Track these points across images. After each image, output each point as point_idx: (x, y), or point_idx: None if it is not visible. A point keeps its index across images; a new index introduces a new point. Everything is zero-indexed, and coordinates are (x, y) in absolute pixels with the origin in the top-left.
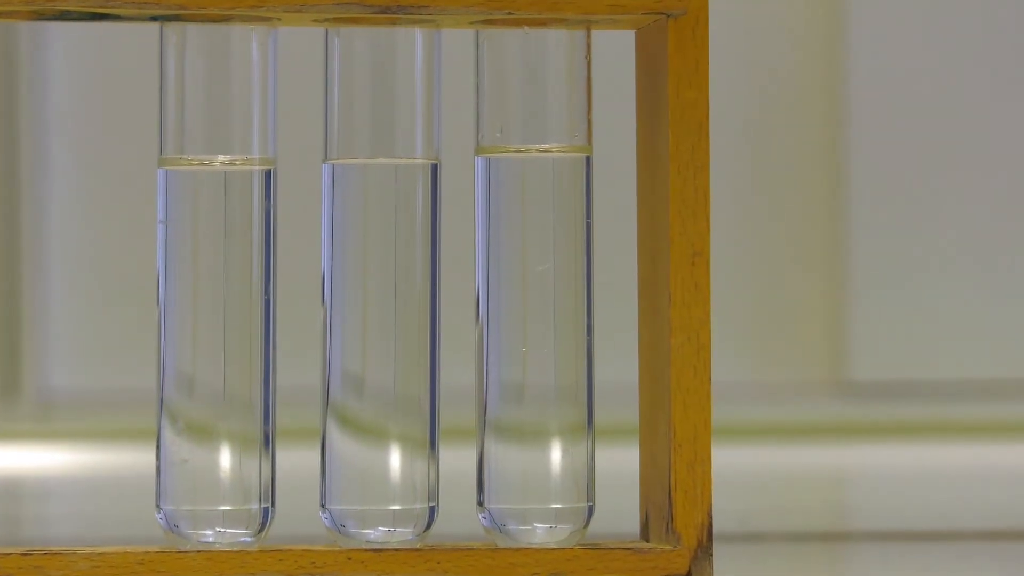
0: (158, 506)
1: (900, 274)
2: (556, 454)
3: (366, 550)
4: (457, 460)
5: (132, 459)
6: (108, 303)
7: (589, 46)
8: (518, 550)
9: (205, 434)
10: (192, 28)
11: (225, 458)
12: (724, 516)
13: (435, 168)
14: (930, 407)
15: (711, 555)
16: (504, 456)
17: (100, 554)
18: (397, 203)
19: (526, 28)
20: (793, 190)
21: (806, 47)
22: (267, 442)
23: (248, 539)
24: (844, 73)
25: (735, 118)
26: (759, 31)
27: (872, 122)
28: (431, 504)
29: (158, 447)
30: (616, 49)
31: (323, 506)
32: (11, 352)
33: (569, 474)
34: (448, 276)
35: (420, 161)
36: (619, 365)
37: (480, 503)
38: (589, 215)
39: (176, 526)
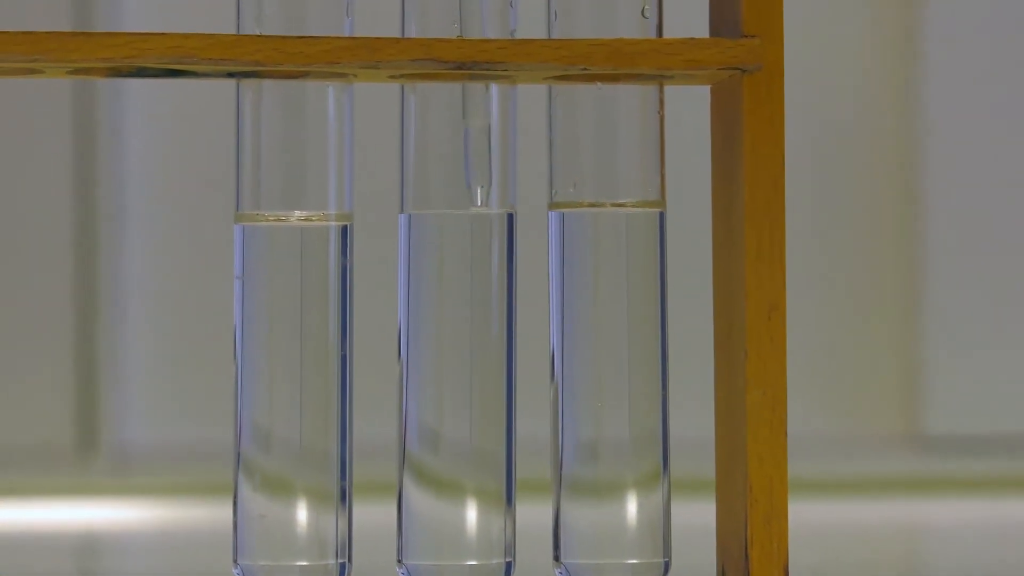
0: (235, 561)
1: (976, 326)
2: (631, 510)
3: None
4: (533, 515)
5: (209, 514)
6: (185, 358)
7: (662, 101)
8: None
9: (282, 489)
10: (268, 84)
11: (302, 513)
12: (800, 571)
13: (511, 218)
14: (1008, 461)
15: None
16: (579, 512)
17: None
18: (473, 254)
19: (599, 84)
20: (867, 241)
21: (879, 98)
22: (344, 497)
23: None
24: (917, 123)
25: (809, 169)
26: (832, 84)
27: (946, 172)
28: (507, 559)
29: (235, 502)
30: (689, 103)
31: (400, 561)
32: (88, 407)
33: (645, 530)
34: (524, 327)
35: (496, 212)
36: (694, 418)
37: (556, 559)
38: (663, 269)
39: None
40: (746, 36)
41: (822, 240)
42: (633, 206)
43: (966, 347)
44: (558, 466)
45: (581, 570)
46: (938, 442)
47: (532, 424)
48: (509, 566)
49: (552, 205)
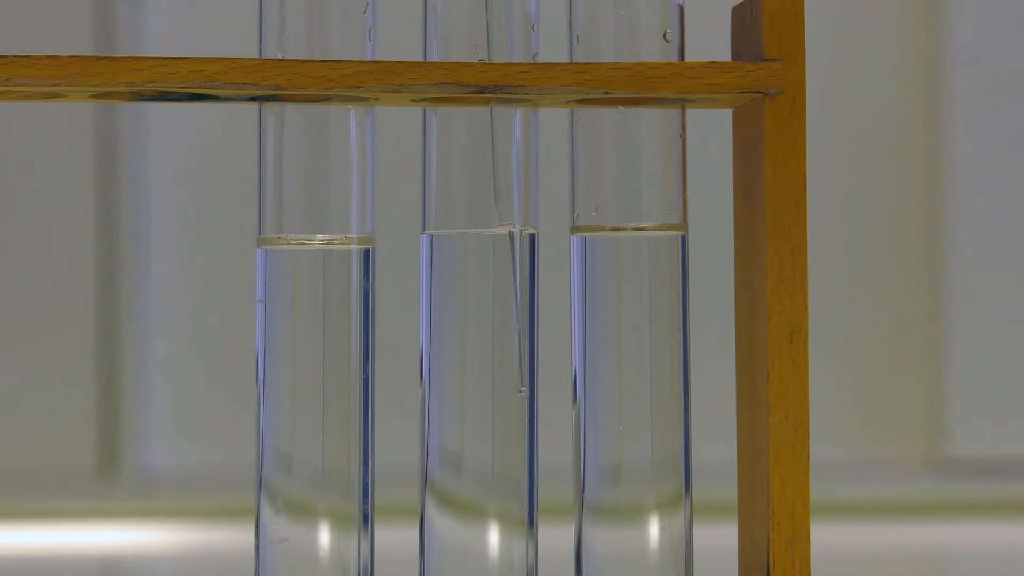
0: None
1: (999, 349)
2: (654, 533)
3: None
4: (556, 538)
5: (231, 538)
6: (207, 382)
7: (684, 125)
8: None
9: (304, 512)
10: (290, 108)
11: (324, 536)
12: None
13: (533, 239)
14: None
15: None
16: (602, 535)
17: None
18: (495, 272)
19: (620, 107)
20: (889, 264)
21: (902, 122)
22: (365, 520)
23: None
24: (941, 146)
25: (831, 192)
26: (854, 107)
27: (971, 195)
28: None
29: (257, 525)
30: (710, 126)
31: None
32: (110, 431)
33: (667, 553)
34: (546, 350)
35: (511, 229)
36: (716, 442)
37: None
38: (685, 293)
39: None
40: (768, 60)
41: (844, 263)
42: (655, 230)
43: (988, 371)
44: (580, 489)
45: None
46: (960, 465)
47: (554, 447)
48: None
49: (574, 229)
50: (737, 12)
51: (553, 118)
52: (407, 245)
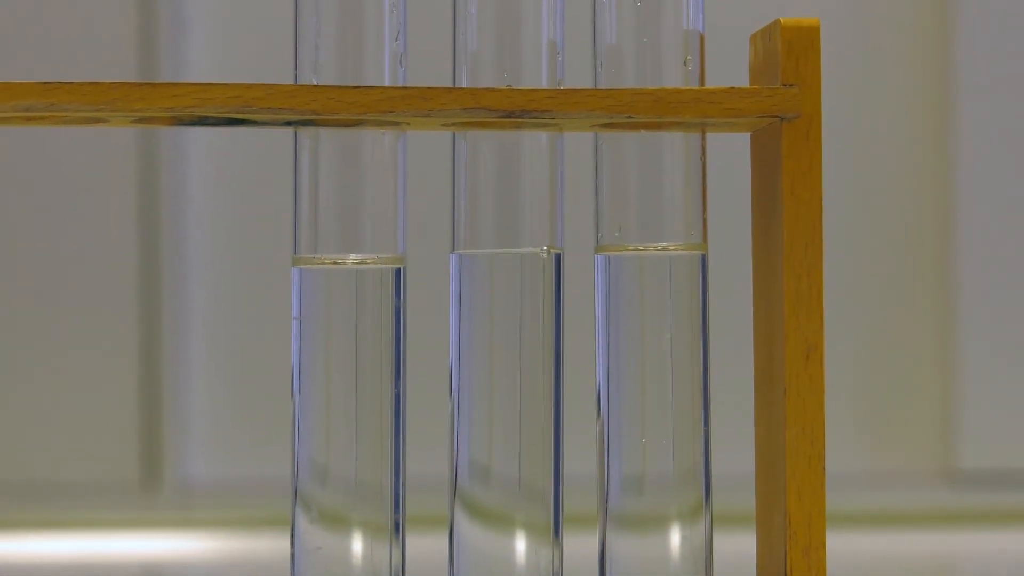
0: None
1: (1009, 363)
2: (675, 541)
3: None
4: (580, 546)
5: (268, 546)
6: (245, 396)
7: (704, 147)
8: None
9: (338, 522)
10: (325, 132)
11: (357, 545)
12: None
13: (558, 259)
14: None
15: None
16: (625, 543)
17: None
18: (522, 291)
19: (643, 131)
20: (902, 280)
21: (917, 144)
22: (397, 530)
23: None
24: (954, 168)
25: (846, 213)
26: (870, 131)
27: (982, 214)
28: None
29: (293, 535)
30: (730, 149)
31: None
32: (152, 444)
33: (688, 560)
34: (571, 365)
35: (543, 252)
36: (735, 453)
37: None
38: (705, 310)
39: None
40: (785, 85)
41: (859, 280)
42: (676, 249)
43: (999, 383)
44: (604, 499)
45: None
46: (972, 476)
47: (579, 459)
48: None
49: (598, 248)
50: (755, 39)
51: (578, 141)
52: (437, 264)
